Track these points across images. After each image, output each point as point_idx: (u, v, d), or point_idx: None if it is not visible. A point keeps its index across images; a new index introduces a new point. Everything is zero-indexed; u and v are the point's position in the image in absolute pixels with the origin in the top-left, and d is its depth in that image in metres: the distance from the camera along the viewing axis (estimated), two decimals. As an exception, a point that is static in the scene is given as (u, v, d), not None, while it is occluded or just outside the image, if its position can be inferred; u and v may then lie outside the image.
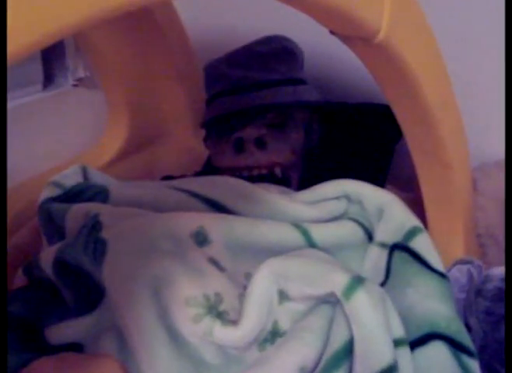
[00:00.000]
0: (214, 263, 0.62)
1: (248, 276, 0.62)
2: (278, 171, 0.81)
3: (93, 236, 0.62)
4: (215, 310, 0.57)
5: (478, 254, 0.78)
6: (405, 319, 0.58)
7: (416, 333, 0.58)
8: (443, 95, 0.60)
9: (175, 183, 0.73)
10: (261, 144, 0.80)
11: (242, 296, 0.59)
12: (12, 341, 0.58)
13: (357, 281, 0.55)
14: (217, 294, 0.58)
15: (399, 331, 0.56)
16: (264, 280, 0.58)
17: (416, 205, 0.71)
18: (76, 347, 0.59)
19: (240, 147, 0.80)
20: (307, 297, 0.58)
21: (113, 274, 0.59)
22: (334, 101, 0.91)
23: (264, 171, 0.80)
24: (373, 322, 0.53)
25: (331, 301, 0.57)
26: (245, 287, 0.60)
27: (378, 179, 0.83)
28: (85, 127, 1.09)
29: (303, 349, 0.54)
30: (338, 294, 0.55)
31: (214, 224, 0.63)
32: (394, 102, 0.59)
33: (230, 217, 0.65)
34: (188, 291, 0.57)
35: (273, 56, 0.82)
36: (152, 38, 0.92)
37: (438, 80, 0.59)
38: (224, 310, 0.58)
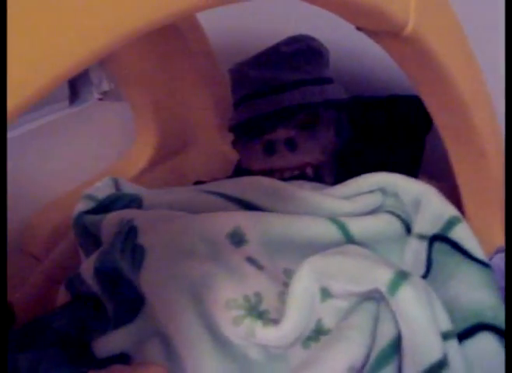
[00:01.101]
0: (252, 262, 0.62)
1: (287, 272, 0.62)
2: (309, 171, 0.81)
3: (130, 242, 0.63)
4: (256, 310, 0.57)
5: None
6: (451, 311, 0.57)
7: (463, 325, 0.57)
8: (474, 83, 0.59)
9: (207, 186, 0.74)
10: (291, 145, 0.80)
11: (282, 294, 0.59)
12: (60, 358, 0.58)
13: (401, 276, 0.54)
14: (257, 294, 0.58)
15: (446, 324, 0.55)
16: (305, 279, 0.58)
17: (451, 194, 0.70)
18: (123, 358, 0.59)
19: (270, 149, 0.80)
20: (351, 294, 0.57)
21: (152, 280, 0.59)
22: (361, 96, 0.90)
23: (295, 172, 0.80)
24: (420, 316, 0.52)
25: (374, 297, 0.57)
26: (285, 284, 0.60)
27: (412, 171, 0.83)
28: (114, 140, 1.10)
29: (350, 348, 0.54)
30: (383, 290, 0.54)
31: (249, 224, 0.63)
32: (426, 93, 0.58)
33: (265, 215, 0.65)
34: (228, 294, 0.58)
35: (299, 56, 0.81)
36: (173, 44, 0.93)
37: (468, 68, 0.58)
38: (265, 309, 0.58)
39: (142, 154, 0.98)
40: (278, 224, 0.63)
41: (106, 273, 0.64)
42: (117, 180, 0.80)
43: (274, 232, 0.63)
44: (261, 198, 0.68)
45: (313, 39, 0.84)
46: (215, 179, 0.86)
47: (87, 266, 0.67)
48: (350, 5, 0.43)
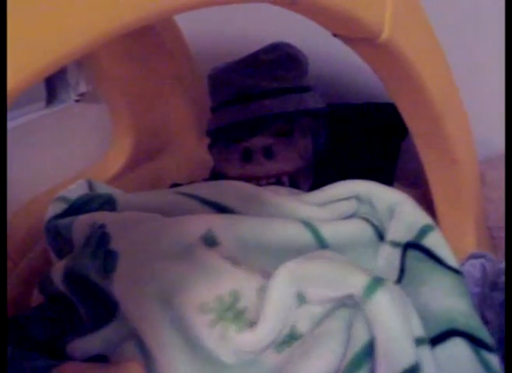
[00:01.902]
0: (228, 258, 0.61)
1: (263, 273, 0.61)
2: (285, 179, 0.81)
3: (102, 249, 0.62)
4: (232, 311, 0.57)
5: (490, 247, 0.78)
6: (423, 318, 0.58)
7: (435, 331, 0.57)
8: (446, 90, 0.60)
9: (182, 188, 0.73)
10: (269, 153, 0.80)
11: (261, 290, 0.58)
12: (35, 361, 0.58)
13: (377, 282, 0.54)
14: (233, 292, 0.58)
15: (419, 330, 0.56)
16: (282, 284, 0.57)
17: (424, 201, 0.71)
18: (100, 359, 0.59)
19: (247, 156, 0.81)
20: (326, 299, 0.57)
21: (124, 285, 0.59)
22: (339, 102, 0.91)
23: (271, 180, 0.80)
24: (395, 322, 0.52)
25: (349, 303, 0.57)
26: (264, 278, 0.60)
27: (386, 177, 0.84)
28: (90, 142, 1.09)
29: (325, 354, 0.53)
30: (359, 295, 0.54)
31: (222, 226, 0.63)
32: (400, 100, 0.59)
33: (239, 217, 0.65)
34: (201, 296, 0.57)
35: (279, 64, 0.82)
36: (151, 47, 0.92)
37: (441, 76, 0.59)
38: (242, 308, 0.57)
39: (118, 157, 0.97)
40: (250, 227, 0.63)
41: (76, 278, 0.64)
42: (91, 182, 0.79)
43: (246, 235, 0.62)
44: (236, 202, 0.68)
45: (292, 47, 0.85)
46: (191, 183, 0.86)
47: (57, 270, 0.66)
48: (326, 12, 0.44)
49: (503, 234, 0.80)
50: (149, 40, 0.92)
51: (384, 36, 0.47)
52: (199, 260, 0.60)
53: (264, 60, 0.82)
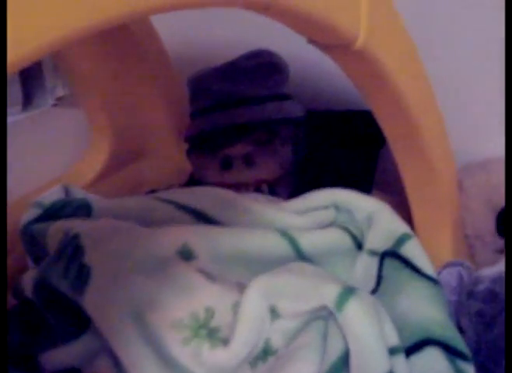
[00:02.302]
0: (204, 273, 0.60)
1: (240, 285, 0.61)
2: (265, 188, 0.81)
3: (77, 262, 0.60)
4: (206, 328, 0.56)
5: (467, 256, 0.78)
6: (399, 327, 0.57)
7: (410, 340, 0.57)
8: (424, 98, 0.60)
9: (160, 194, 0.72)
10: (249, 161, 0.80)
11: (236, 306, 0.58)
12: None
13: (348, 291, 0.54)
14: (208, 309, 0.57)
15: (394, 339, 0.55)
16: (254, 298, 0.56)
17: (402, 208, 0.71)
18: (73, 372, 0.59)
19: (227, 164, 0.80)
20: (299, 313, 0.57)
21: (97, 300, 0.57)
22: (317, 109, 0.91)
23: (250, 188, 0.80)
24: (367, 332, 0.52)
25: (323, 315, 0.56)
26: (240, 292, 0.59)
27: (365, 185, 0.83)
28: (67, 147, 1.08)
29: (303, 367, 0.53)
30: (330, 306, 0.54)
31: (198, 239, 0.62)
32: (376, 108, 0.59)
33: (215, 229, 0.64)
34: (175, 313, 0.56)
35: (260, 71, 0.82)
36: (129, 51, 0.91)
37: (418, 84, 0.58)
38: (216, 325, 0.57)
39: (95, 162, 0.96)
40: (227, 239, 0.62)
41: (47, 289, 0.62)
42: (67, 188, 0.78)
43: (223, 247, 0.61)
44: (214, 209, 0.67)
45: (273, 54, 0.84)
46: (169, 188, 0.86)
47: (28, 278, 0.65)
48: (299, 17, 0.43)
49: (479, 242, 0.81)
50: (128, 45, 0.91)
51: (359, 42, 0.47)
52: (174, 275, 0.59)
53: (245, 66, 0.81)
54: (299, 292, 0.56)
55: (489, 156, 0.84)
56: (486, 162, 0.84)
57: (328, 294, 0.54)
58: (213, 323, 0.57)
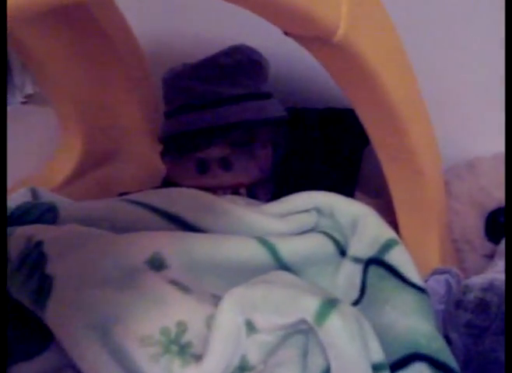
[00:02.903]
0: (176, 284, 0.56)
1: (216, 297, 0.57)
2: (243, 191, 0.77)
3: (38, 272, 0.56)
4: (177, 344, 0.52)
5: (455, 261, 0.75)
6: (384, 339, 0.54)
7: (396, 355, 0.54)
8: (409, 95, 0.56)
9: (132, 196, 0.68)
10: (226, 164, 0.76)
11: (210, 319, 0.54)
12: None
13: (329, 304, 0.50)
14: (180, 324, 0.53)
15: (378, 354, 0.51)
16: (228, 311, 0.53)
17: (387, 212, 0.68)
18: None
19: (203, 168, 0.76)
20: (277, 327, 0.53)
21: (59, 315, 0.53)
22: (296, 107, 0.87)
23: (228, 192, 0.76)
24: (349, 348, 0.48)
25: (303, 329, 0.53)
26: (215, 305, 0.55)
27: (348, 186, 0.80)
28: (37, 146, 1.03)
29: None
30: (310, 320, 0.50)
31: (170, 248, 0.58)
32: (358, 106, 0.55)
33: (188, 236, 0.60)
34: (143, 328, 0.52)
35: (239, 69, 0.78)
36: (101, 49, 0.87)
37: (404, 80, 0.55)
38: (188, 341, 0.52)
39: (65, 163, 0.92)
40: (201, 248, 0.58)
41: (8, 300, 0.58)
42: (35, 190, 0.74)
43: (198, 256, 0.58)
44: (190, 212, 0.64)
45: (253, 50, 0.80)
46: (140, 191, 0.81)
47: None
48: (275, 8, 0.39)
49: (467, 247, 0.78)
50: (99, 41, 0.87)
51: (340, 35, 0.43)
52: (143, 287, 0.55)
53: (223, 64, 0.77)
54: (276, 305, 0.52)
55: (476, 155, 0.82)
56: (474, 163, 0.82)
57: (307, 307, 0.50)
58: (185, 338, 0.53)
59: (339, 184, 0.79)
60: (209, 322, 0.54)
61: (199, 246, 0.59)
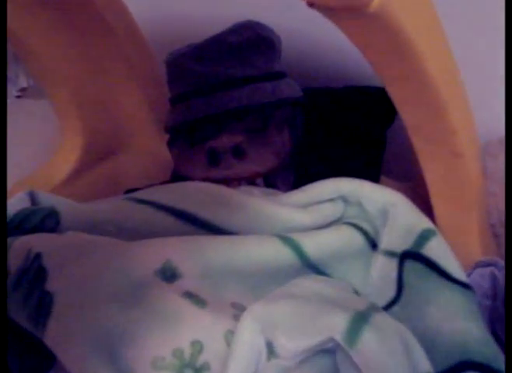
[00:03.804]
0: (190, 297, 0.51)
1: (236, 306, 0.52)
2: (259, 182, 0.71)
3: (38, 289, 0.51)
4: (191, 367, 0.46)
5: (496, 250, 0.69)
6: (429, 346, 0.49)
7: (445, 364, 0.49)
8: (449, 71, 0.51)
9: (138, 194, 0.62)
10: (239, 153, 0.70)
11: (230, 333, 0.48)
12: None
13: (360, 319, 0.45)
14: (195, 343, 0.48)
15: (425, 366, 0.46)
16: (248, 332, 0.47)
17: (413, 197, 0.62)
18: None
19: (215, 159, 0.70)
20: (300, 351, 0.46)
21: (60, 336, 0.48)
22: (313, 87, 0.81)
23: (243, 184, 0.70)
24: (390, 366, 0.43)
25: (329, 348, 0.47)
26: (236, 317, 0.50)
27: (373, 170, 0.75)
28: (35, 143, 0.99)
29: None
30: (339, 339, 0.44)
31: (182, 255, 0.52)
32: (394, 85, 0.49)
33: (202, 240, 0.55)
34: (155, 350, 0.47)
35: (248, 47, 0.71)
36: (98, 34, 0.82)
37: (443, 54, 0.49)
38: (204, 362, 0.47)
39: (66, 159, 0.86)
40: (217, 251, 0.53)
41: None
42: (33, 194, 0.68)
43: (213, 261, 0.52)
44: (201, 208, 0.58)
45: (263, 26, 0.74)
46: (150, 186, 0.75)
47: None
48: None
49: (503, 230, 0.72)
50: (97, 27, 0.81)
51: (376, 3, 0.37)
52: (154, 302, 0.49)
53: (231, 42, 0.71)
54: (300, 323, 0.47)
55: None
56: None
57: (336, 324, 0.45)
58: (201, 359, 0.47)
59: (363, 168, 0.73)
60: (229, 337, 0.48)
61: (214, 250, 0.53)
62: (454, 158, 0.55)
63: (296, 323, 0.47)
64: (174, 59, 0.74)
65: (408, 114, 0.52)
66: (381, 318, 0.47)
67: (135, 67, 0.87)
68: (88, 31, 0.82)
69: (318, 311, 0.47)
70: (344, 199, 0.61)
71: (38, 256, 0.53)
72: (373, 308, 0.48)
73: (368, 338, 0.44)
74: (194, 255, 0.52)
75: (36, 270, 0.52)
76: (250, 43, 0.71)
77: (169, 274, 0.51)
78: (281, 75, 0.74)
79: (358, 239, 0.59)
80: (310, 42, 0.86)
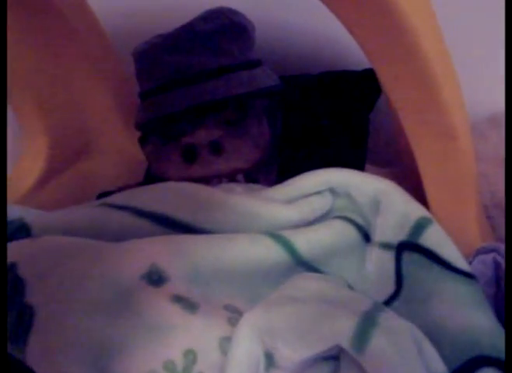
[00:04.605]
0: (180, 301, 0.47)
1: (229, 308, 0.49)
2: (241, 178, 0.68)
3: (17, 302, 0.46)
4: None
5: (491, 233, 0.67)
6: (437, 342, 0.45)
7: (457, 361, 0.46)
8: (439, 46, 0.47)
9: (113, 199, 0.58)
10: (217, 149, 0.66)
11: (225, 340, 0.45)
12: None
13: (368, 321, 0.42)
14: (188, 353, 0.44)
15: (439, 366, 0.43)
16: (246, 342, 0.44)
17: (400, 183, 0.59)
18: None
19: (191, 156, 0.66)
20: (303, 360, 0.43)
21: (42, 351, 0.43)
22: (288, 75, 0.77)
23: (224, 181, 0.67)
24: (402, 370, 0.40)
25: (331, 355, 0.44)
26: (230, 321, 0.47)
27: (358, 158, 0.72)
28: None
29: None
30: (347, 346, 0.41)
31: (169, 256, 0.49)
32: (383, 62, 0.46)
33: (187, 239, 0.51)
34: (145, 363, 0.43)
35: (221, 35, 0.67)
36: (58, 33, 0.77)
37: (433, 27, 0.46)
38: (201, 371, 0.44)
39: (31, 167, 0.82)
40: (204, 251, 0.49)
41: None
42: None
43: (201, 261, 0.49)
44: (180, 210, 0.54)
45: (235, 12, 0.70)
46: (123, 188, 0.72)
47: None
48: None
49: (498, 212, 0.70)
50: (56, 26, 0.76)
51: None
52: (141, 310, 0.46)
53: (202, 31, 0.67)
54: (302, 331, 0.43)
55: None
56: (497, 118, 0.74)
57: (341, 330, 0.42)
58: (196, 370, 0.44)
59: (348, 156, 0.70)
60: (224, 345, 0.45)
61: (201, 250, 0.50)
62: (448, 141, 0.52)
63: (297, 330, 0.43)
64: (144, 51, 0.70)
65: (400, 95, 0.49)
66: (389, 318, 0.44)
67: (98, 63, 0.83)
68: (46, 28, 0.77)
69: (321, 315, 0.44)
70: (332, 190, 0.59)
71: (13, 266, 0.48)
72: (378, 308, 0.45)
73: (378, 341, 0.40)
74: (181, 256, 0.49)
75: (12, 282, 0.47)
76: (223, 31, 0.67)
77: (155, 278, 0.48)
78: (257, 64, 0.70)
79: (351, 233, 0.56)
80: (284, 27, 0.82)
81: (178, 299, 0.47)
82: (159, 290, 0.47)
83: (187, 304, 0.47)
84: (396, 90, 0.49)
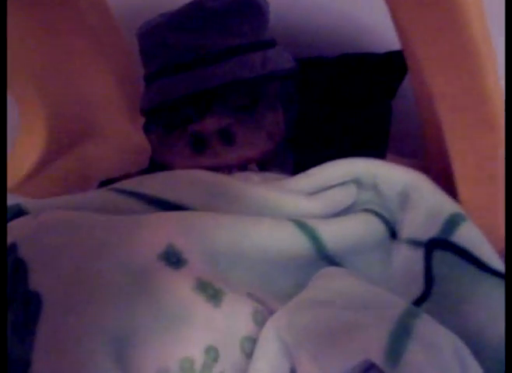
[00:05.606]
0: (202, 289, 0.45)
1: (253, 297, 0.47)
2: (253, 168, 0.64)
3: (20, 289, 0.43)
4: None
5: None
6: (475, 353, 0.41)
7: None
8: (485, 27, 0.43)
9: (120, 185, 0.55)
10: (227, 137, 0.62)
11: (247, 341, 0.43)
12: None
13: (402, 331, 0.38)
14: (209, 350, 0.42)
15: None
16: (272, 354, 0.41)
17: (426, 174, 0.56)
18: None
19: (200, 145, 0.62)
20: None
21: (51, 344, 0.40)
22: (306, 57, 0.75)
23: (234, 171, 0.63)
24: None
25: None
26: (253, 315, 0.45)
27: (379, 147, 0.70)
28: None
29: None
30: (378, 361, 0.37)
31: (187, 237, 0.46)
32: (423, 38, 0.42)
33: (207, 221, 0.49)
34: (160, 358, 0.41)
35: (232, 13, 0.64)
36: (58, 7, 0.75)
37: (482, 11, 0.42)
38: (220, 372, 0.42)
39: (28, 152, 0.79)
40: (226, 234, 0.47)
41: None
42: None
43: (221, 245, 0.47)
44: (196, 199, 0.52)
45: None
46: (127, 175, 0.69)
47: None
48: None
49: None
50: (57, 5, 0.74)
51: None
52: (161, 294, 0.43)
53: (211, 8, 0.63)
54: (329, 344, 0.40)
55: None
56: None
57: (373, 342, 0.38)
58: (217, 369, 0.42)
59: (368, 145, 0.69)
60: (244, 345, 0.43)
61: (221, 232, 0.48)
62: (488, 132, 0.49)
63: (323, 343, 0.40)
64: (149, 31, 0.66)
65: (438, 80, 0.46)
66: (426, 326, 0.40)
67: (102, 42, 0.81)
68: (53, 16, 0.75)
69: (349, 324, 0.40)
70: (357, 182, 0.56)
71: (13, 247, 0.45)
72: (413, 312, 0.41)
73: (413, 355, 0.36)
74: (200, 238, 0.47)
75: (13, 265, 0.44)
76: (234, 9, 0.64)
77: (174, 260, 0.45)
78: (270, 44, 0.67)
79: (378, 228, 0.55)
80: (300, 4, 0.79)
81: (200, 287, 0.44)
82: (179, 274, 0.45)
83: (210, 293, 0.45)
84: (437, 77, 0.46)
